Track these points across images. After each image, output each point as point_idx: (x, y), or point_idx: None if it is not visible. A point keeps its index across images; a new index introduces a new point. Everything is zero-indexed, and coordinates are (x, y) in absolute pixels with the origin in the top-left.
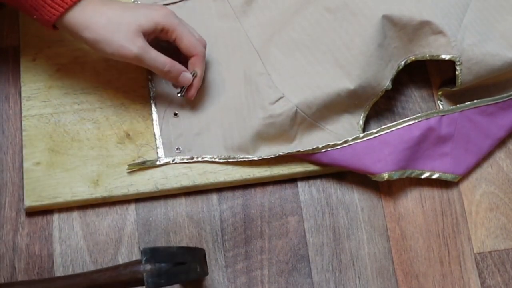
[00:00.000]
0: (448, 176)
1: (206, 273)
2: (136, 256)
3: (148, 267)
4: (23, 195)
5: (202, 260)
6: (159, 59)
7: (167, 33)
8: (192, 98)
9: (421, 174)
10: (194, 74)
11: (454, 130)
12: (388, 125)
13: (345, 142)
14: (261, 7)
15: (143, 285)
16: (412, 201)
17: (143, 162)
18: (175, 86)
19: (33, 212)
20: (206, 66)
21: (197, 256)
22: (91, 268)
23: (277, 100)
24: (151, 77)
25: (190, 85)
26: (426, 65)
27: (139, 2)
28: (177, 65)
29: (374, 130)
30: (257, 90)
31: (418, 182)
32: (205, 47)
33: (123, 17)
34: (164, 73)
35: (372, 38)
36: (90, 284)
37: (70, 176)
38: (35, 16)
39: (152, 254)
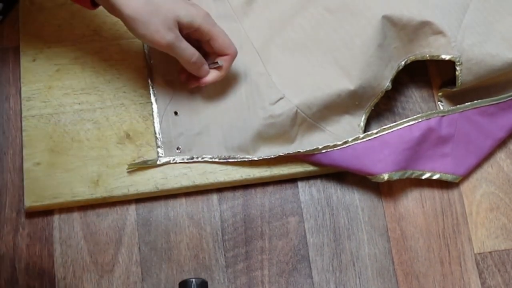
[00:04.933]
0: (448, 177)
1: None
2: (136, 255)
3: None
4: (23, 195)
5: None
6: (188, 50)
7: (201, 34)
8: (203, 84)
9: (422, 174)
10: (218, 64)
11: (455, 131)
12: (388, 125)
13: (345, 142)
14: (261, 8)
15: None
16: (412, 202)
17: (143, 162)
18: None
19: (34, 213)
20: None
21: None
22: (92, 268)
23: (278, 101)
24: (152, 76)
25: (209, 73)
26: (427, 66)
27: None
28: (201, 58)
29: (374, 131)
30: (258, 90)
31: (418, 183)
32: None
33: (164, 1)
34: (190, 64)
35: (372, 38)
36: None
37: (70, 177)
38: None
39: None
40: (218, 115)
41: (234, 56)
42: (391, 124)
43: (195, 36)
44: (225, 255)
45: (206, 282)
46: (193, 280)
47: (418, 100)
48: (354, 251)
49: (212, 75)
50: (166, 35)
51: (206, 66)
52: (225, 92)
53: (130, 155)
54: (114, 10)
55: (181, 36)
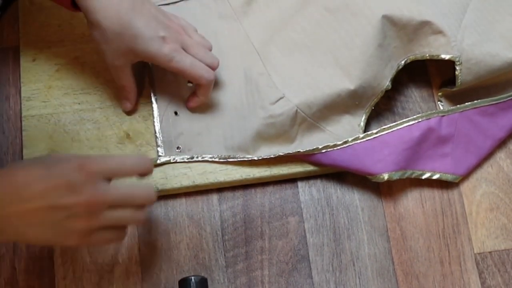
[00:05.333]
0: (448, 177)
1: None
2: (136, 255)
3: None
4: None
5: None
6: (121, 81)
7: (168, 69)
8: (191, 107)
9: (422, 174)
10: (191, 85)
11: (455, 131)
12: (388, 125)
13: (345, 142)
14: (261, 7)
15: None
16: (412, 202)
17: None
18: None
19: None
20: None
21: None
22: (92, 268)
23: (278, 100)
24: (152, 76)
25: (193, 97)
26: (427, 65)
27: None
28: (130, 93)
29: (374, 131)
30: (257, 90)
31: (418, 183)
32: (215, 68)
33: (124, 34)
34: (119, 92)
35: (372, 38)
36: None
37: None
38: None
39: None
40: (218, 115)
41: (207, 85)
42: (391, 124)
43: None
44: (225, 255)
45: (206, 279)
46: (192, 278)
47: (418, 100)
48: (354, 251)
49: (194, 101)
50: (115, 60)
51: (127, 104)
52: (225, 92)
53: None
54: (85, 15)
55: (127, 67)
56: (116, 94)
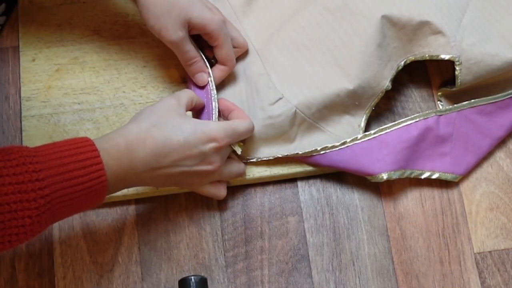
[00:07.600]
0: (448, 176)
1: None
2: (135, 255)
3: None
4: None
5: None
6: (190, 53)
7: (210, 38)
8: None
9: (421, 174)
10: (214, 62)
11: (453, 130)
12: (386, 125)
13: (344, 143)
14: (261, 8)
15: None
16: (412, 201)
17: None
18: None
19: None
20: None
21: None
22: (92, 268)
23: (277, 101)
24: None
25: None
26: (426, 65)
27: None
28: (200, 63)
29: (372, 131)
30: (257, 90)
31: (418, 182)
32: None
33: (181, 2)
34: (187, 66)
35: (372, 38)
36: None
37: None
38: None
39: None
40: None
41: (231, 70)
42: (389, 124)
43: (205, 38)
44: (224, 254)
45: (206, 279)
46: (192, 277)
47: (418, 99)
48: (354, 251)
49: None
50: (173, 34)
51: (204, 75)
52: (225, 92)
53: None
54: None
55: (187, 37)
56: (116, 94)
